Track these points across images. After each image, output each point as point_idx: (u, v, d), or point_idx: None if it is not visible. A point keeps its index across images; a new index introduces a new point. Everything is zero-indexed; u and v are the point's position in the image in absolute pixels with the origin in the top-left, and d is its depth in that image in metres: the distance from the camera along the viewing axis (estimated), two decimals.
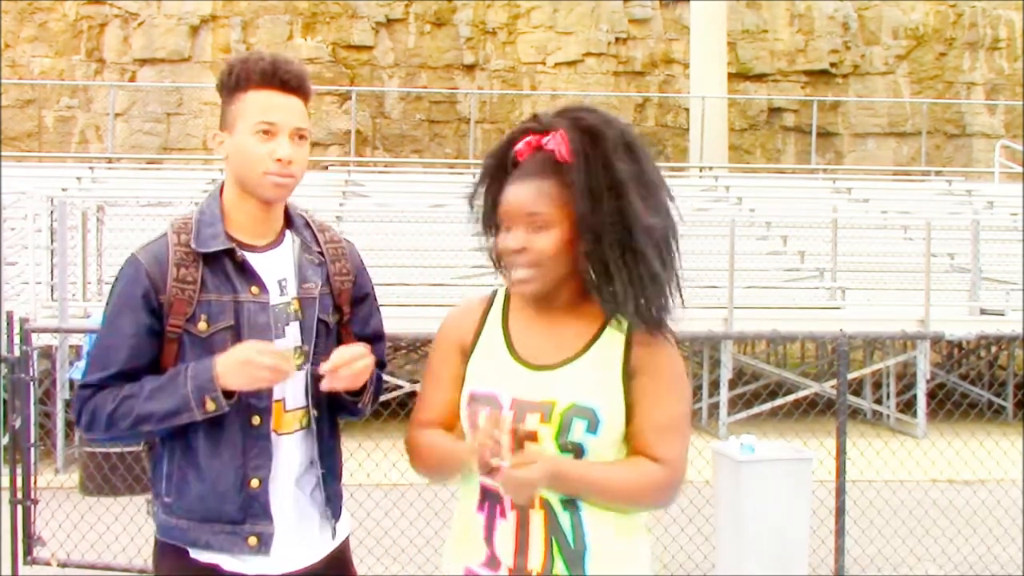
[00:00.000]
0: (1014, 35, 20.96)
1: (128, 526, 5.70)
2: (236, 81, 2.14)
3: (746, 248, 12.50)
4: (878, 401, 11.87)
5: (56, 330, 7.66)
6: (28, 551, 5.18)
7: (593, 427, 1.96)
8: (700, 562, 5.79)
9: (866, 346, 11.87)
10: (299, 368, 2.20)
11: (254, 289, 2.16)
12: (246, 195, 2.18)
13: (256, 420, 2.15)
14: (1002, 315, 11.14)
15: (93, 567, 5.52)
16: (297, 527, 2.21)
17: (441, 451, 2.06)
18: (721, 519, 5.22)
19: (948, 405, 9.54)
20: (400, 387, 9.30)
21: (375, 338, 2.30)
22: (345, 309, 2.30)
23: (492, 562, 2.02)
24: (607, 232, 1.92)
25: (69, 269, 9.39)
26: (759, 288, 11.88)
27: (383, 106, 20.36)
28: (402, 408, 5.58)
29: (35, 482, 5.26)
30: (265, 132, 2.12)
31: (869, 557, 6.17)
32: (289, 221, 2.28)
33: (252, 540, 2.15)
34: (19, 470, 5.13)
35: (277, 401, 2.18)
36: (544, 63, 20.60)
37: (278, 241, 2.23)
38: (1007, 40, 21.03)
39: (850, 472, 5.48)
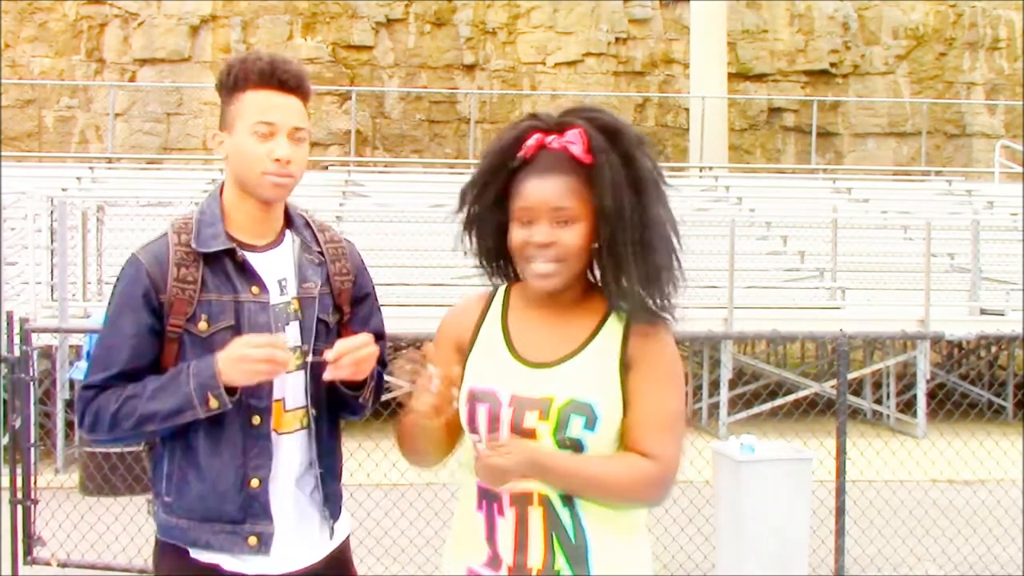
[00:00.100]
0: (1014, 35, 20.96)
1: (128, 526, 5.70)
2: (235, 81, 2.14)
3: (746, 248, 12.50)
4: (878, 401, 11.87)
5: (56, 330, 7.66)
6: (28, 551, 5.18)
7: (591, 423, 1.96)
8: (700, 562, 5.79)
9: (866, 346, 11.87)
10: (299, 368, 2.20)
11: (254, 289, 2.16)
12: (246, 195, 2.18)
13: (256, 420, 2.15)
14: (1002, 315, 11.14)
15: (93, 567, 5.52)
16: (297, 527, 2.21)
17: (409, 422, 2.06)
18: (721, 519, 5.22)
19: (948, 405, 9.54)
20: (400, 387, 9.29)
21: (376, 338, 2.31)
22: (345, 309, 2.30)
23: (494, 562, 2.02)
24: (626, 227, 1.96)
25: (69, 269, 9.39)
26: (759, 288, 11.88)
27: (383, 106, 20.36)
28: (402, 408, 5.58)
29: (35, 482, 5.26)
30: (264, 132, 2.12)
31: (869, 557, 6.17)
32: (289, 221, 2.28)
33: (252, 540, 2.15)
34: (19, 470, 5.13)
35: (277, 401, 2.18)
36: (544, 63, 20.60)
37: (278, 241, 2.24)
38: (1007, 40, 21.03)
39: (850, 472, 5.48)
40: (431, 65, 20.41)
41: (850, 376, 9.23)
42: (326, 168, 17.34)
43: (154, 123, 19.66)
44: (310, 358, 2.19)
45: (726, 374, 10.40)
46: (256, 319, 2.14)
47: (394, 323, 2.23)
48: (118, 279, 2.19)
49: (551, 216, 1.96)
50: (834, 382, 7.98)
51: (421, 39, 20.41)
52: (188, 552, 2.18)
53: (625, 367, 2.00)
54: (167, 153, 19.45)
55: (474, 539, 2.05)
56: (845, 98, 20.89)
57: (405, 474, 6.83)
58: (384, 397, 2.41)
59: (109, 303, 2.18)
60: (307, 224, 2.31)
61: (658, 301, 2.01)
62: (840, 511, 5.24)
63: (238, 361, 2.04)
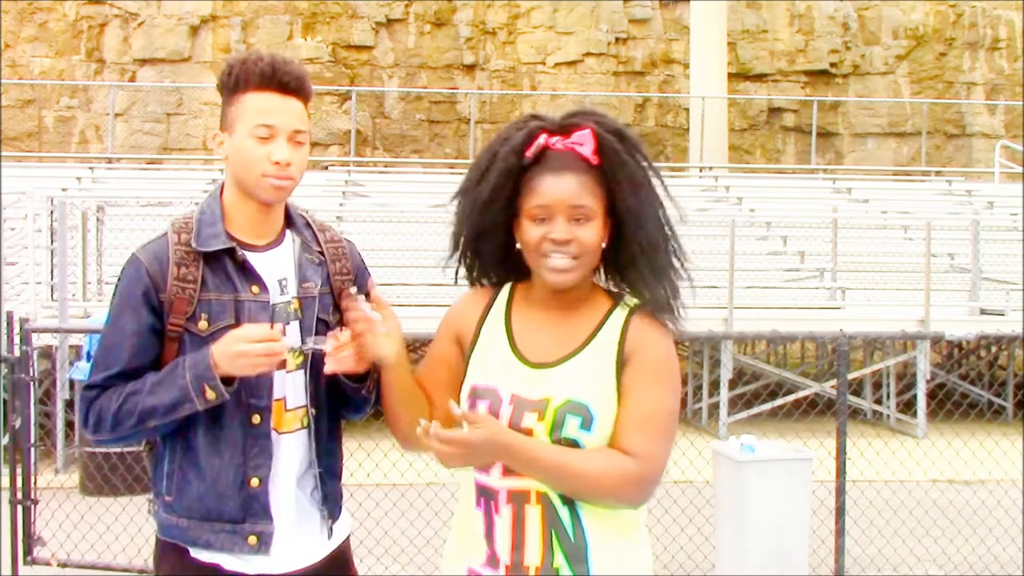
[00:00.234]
0: (1014, 35, 20.96)
1: (128, 526, 5.70)
2: (235, 82, 2.14)
3: (746, 248, 12.51)
4: (878, 401, 11.87)
5: (56, 330, 7.66)
6: (28, 551, 5.18)
7: (587, 424, 1.97)
8: (700, 562, 5.79)
9: (866, 346, 11.87)
10: (299, 367, 2.20)
11: (254, 288, 2.16)
12: (246, 196, 2.18)
13: (256, 419, 2.15)
14: (1002, 315, 11.14)
15: (93, 567, 5.52)
16: (297, 526, 2.21)
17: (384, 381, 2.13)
18: (721, 519, 5.22)
19: (948, 405, 9.54)
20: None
21: None
22: None
23: (493, 560, 2.03)
24: (637, 226, 2.02)
25: (69, 269, 9.39)
26: (759, 288, 11.88)
27: (383, 106, 20.36)
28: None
29: (35, 482, 5.26)
30: (263, 135, 2.12)
31: (869, 557, 6.17)
32: (290, 221, 2.28)
33: (252, 539, 2.15)
34: (19, 470, 5.13)
35: (278, 400, 2.18)
36: (544, 63, 20.60)
37: (278, 241, 2.24)
38: (1007, 40, 21.03)
39: (850, 472, 5.49)
40: (431, 65, 20.42)
41: (850, 376, 9.23)
42: (326, 168, 17.34)
43: (154, 123, 19.66)
44: (310, 345, 2.18)
45: (726, 374, 10.40)
46: (256, 318, 2.14)
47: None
48: (119, 279, 2.19)
49: (569, 214, 1.98)
50: (834, 382, 7.98)
51: (421, 39, 20.41)
52: (188, 552, 2.18)
53: (621, 363, 2.01)
54: (167, 153, 19.45)
55: (473, 537, 2.06)
56: (845, 98, 20.89)
57: (405, 474, 6.83)
58: None
59: (111, 303, 2.19)
60: (307, 224, 2.32)
61: (666, 297, 2.06)
62: (840, 511, 5.24)
63: (236, 357, 2.04)
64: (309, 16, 20.07)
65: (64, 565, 5.42)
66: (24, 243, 9.82)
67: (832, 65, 20.99)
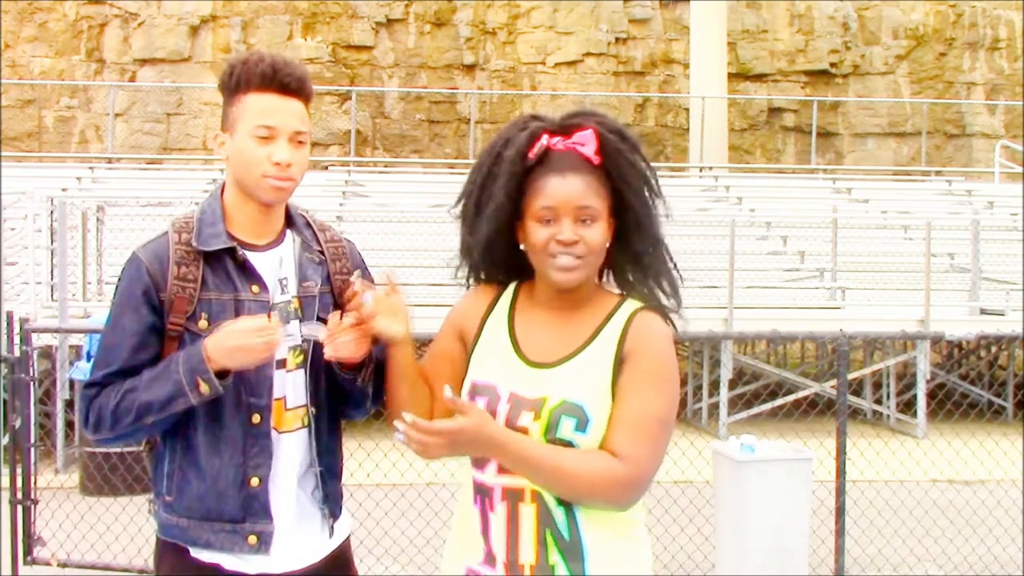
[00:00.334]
0: (1014, 35, 20.96)
1: (128, 526, 5.70)
2: (236, 83, 2.14)
3: (746, 248, 12.50)
4: (878, 401, 11.87)
5: (56, 330, 7.66)
6: (28, 551, 5.18)
7: (583, 425, 1.96)
8: (700, 562, 5.79)
9: (866, 346, 11.87)
10: (299, 366, 2.21)
11: (255, 288, 2.17)
12: (246, 196, 2.19)
13: (256, 418, 2.15)
14: (1002, 315, 11.14)
15: (93, 567, 5.52)
16: (297, 526, 2.22)
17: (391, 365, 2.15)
18: (721, 519, 5.22)
19: (948, 405, 9.54)
20: None
21: (373, 340, 2.30)
22: None
23: (490, 558, 2.03)
24: (640, 225, 2.05)
25: (69, 269, 9.39)
26: (759, 288, 11.88)
27: (383, 106, 20.36)
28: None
29: (35, 482, 5.26)
30: (264, 136, 2.12)
31: (869, 557, 6.17)
32: (290, 220, 2.28)
33: (252, 539, 2.16)
34: (19, 470, 5.13)
35: (278, 399, 2.18)
36: (544, 63, 20.60)
37: (279, 240, 2.24)
38: (1007, 40, 21.03)
39: (850, 472, 5.49)
40: (431, 65, 20.42)
41: (850, 376, 9.23)
42: (326, 168, 17.34)
43: (154, 123, 19.66)
44: (305, 332, 2.19)
45: (726, 374, 10.40)
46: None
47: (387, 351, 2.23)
48: (120, 278, 2.20)
49: (575, 214, 1.99)
50: (834, 382, 7.98)
51: (421, 39, 20.41)
52: (188, 552, 2.18)
53: (619, 364, 2.01)
54: (167, 153, 19.45)
55: (471, 534, 2.06)
56: (845, 98, 20.89)
57: (405, 474, 6.84)
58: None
59: (111, 302, 2.19)
60: (307, 224, 2.32)
61: (668, 295, 2.09)
62: (840, 511, 5.24)
63: (234, 350, 2.04)
64: (309, 16, 20.07)
65: (64, 565, 5.42)
66: (24, 243, 9.82)
67: (832, 65, 20.99)
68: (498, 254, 2.12)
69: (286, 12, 20.02)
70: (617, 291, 2.14)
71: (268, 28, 19.92)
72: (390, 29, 20.35)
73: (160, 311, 2.13)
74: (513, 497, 1.99)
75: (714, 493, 5.39)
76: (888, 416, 11.36)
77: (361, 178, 16.40)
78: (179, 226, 2.19)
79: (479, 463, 2.03)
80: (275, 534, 2.17)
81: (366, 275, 2.34)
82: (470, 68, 20.51)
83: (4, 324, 6.05)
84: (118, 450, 7.16)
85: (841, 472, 5.21)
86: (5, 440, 6.35)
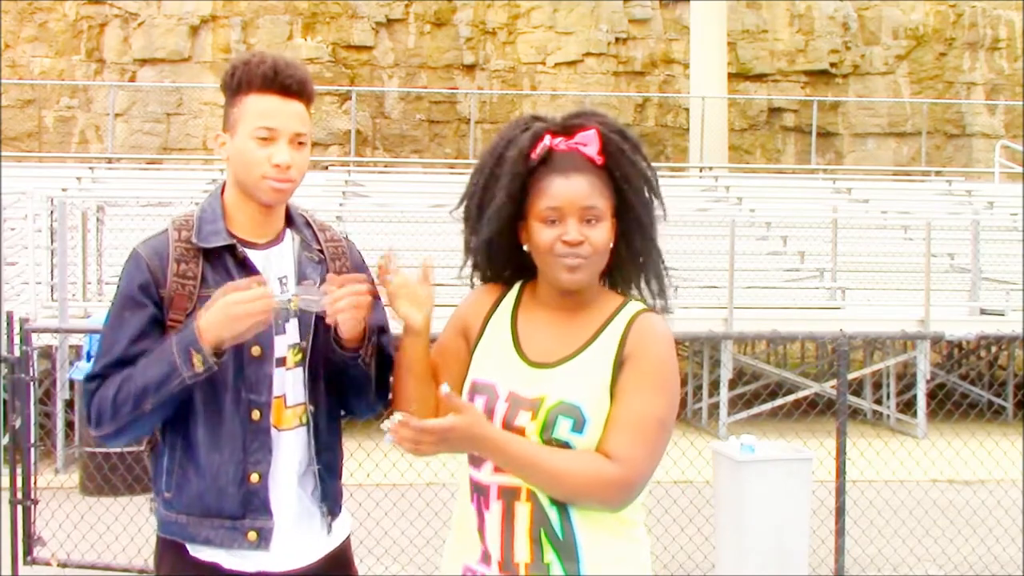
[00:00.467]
0: (1014, 35, 20.96)
1: (128, 526, 5.70)
2: (238, 84, 2.15)
3: (746, 248, 12.50)
4: (878, 401, 11.87)
5: (56, 330, 7.66)
6: (28, 551, 5.18)
7: (579, 426, 1.96)
8: (700, 562, 5.79)
9: (866, 346, 11.88)
10: (298, 364, 2.21)
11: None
12: (246, 196, 2.20)
13: (256, 414, 2.16)
14: (1002, 315, 11.14)
15: (93, 567, 5.52)
16: (297, 523, 2.22)
17: (401, 355, 2.17)
18: (721, 519, 5.22)
19: (948, 405, 9.54)
20: None
21: (380, 331, 2.31)
22: None
23: (486, 557, 2.03)
24: (641, 224, 2.05)
25: (69, 269, 9.39)
26: (759, 288, 11.88)
27: (383, 106, 20.36)
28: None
29: (35, 482, 5.26)
30: (264, 137, 2.13)
31: (869, 557, 6.17)
32: (290, 220, 2.29)
33: (251, 535, 2.16)
34: (19, 470, 5.13)
35: (278, 397, 2.19)
36: (544, 63, 20.60)
37: (279, 239, 2.25)
38: (1007, 40, 21.03)
39: (850, 472, 5.49)
40: (431, 65, 20.42)
41: (850, 376, 9.23)
42: (326, 168, 17.34)
43: (154, 123, 19.66)
44: (307, 359, 2.18)
45: (726, 374, 10.40)
46: None
47: (395, 323, 2.23)
48: (121, 275, 2.20)
49: (580, 214, 1.99)
50: (834, 382, 7.98)
51: (421, 39, 20.42)
52: (188, 551, 2.18)
53: (618, 365, 2.00)
54: (167, 153, 19.45)
55: (468, 533, 2.07)
56: (845, 98, 20.90)
57: (405, 474, 6.84)
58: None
59: (113, 298, 2.20)
60: (307, 223, 2.33)
61: (656, 295, 2.11)
62: (840, 511, 5.24)
63: (231, 320, 2.02)
64: (309, 16, 20.07)
65: (64, 565, 5.42)
66: (24, 243, 9.82)
67: (832, 65, 21.00)
68: (500, 255, 2.12)
69: (286, 12, 20.02)
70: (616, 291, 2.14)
71: (268, 28, 19.93)
72: (390, 29, 20.36)
73: (160, 305, 2.14)
74: (508, 496, 1.99)
75: (714, 493, 5.39)
76: (888, 416, 11.36)
77: (361, 178, 16.41)
78: (179, 224, 2.20)
79: (476, 461, 2.03)
80: (275, 531, 2.18)
81: (366, 274, 2.34)
82: (470, 68, 20.51)
83: (4, 324, 6.05)
84: (118, 450, 7.16)
85: (841, 472, 5.21)
86: (5, 440, 6.35)
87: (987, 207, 15.37)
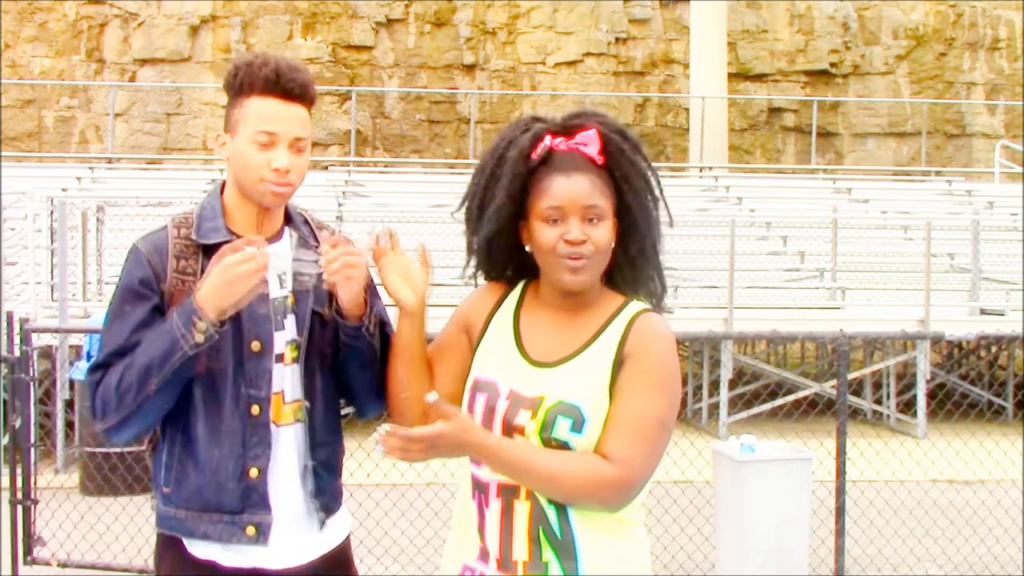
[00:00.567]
0: (1014, 35, 20.96)
1: (128, 526, 5.70)
2: (240, 85, 2.16)
3: (746, 248, 12.50)
4: (878, 401, 11.87)
5: (56, 330, 7.66)
6: (28, 551, 5.18)
7: (578, 426, 1.96)
8: (700, 562, 5.79)
9: (866, 346, 11.88)
10: (295, 360, 2.22)
11: None
12: (245, 197, 2.21)
13: (256, 409, 2.17)
14: (1002, 315, 11.15)
15: (93, 567, 5.52)
16: (296, 520, 2.22)
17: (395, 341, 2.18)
18: (721, 519, 5.22)
19: (948, 405, 9.54)
20: None
21: (382, 324, 2.31)
22: None
23: (484, 554, 2.04)
24: (643, 224, 2.05)
25: (69, 269, 9.40)
26: (759, 288, 11.88)
27: (383, 106, 20.36)
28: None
29: (35, 482, 5.27)
30: (264, 142, 2.13)
31: (869, 557, 6.17)
32: (288, 218, 2.30)
33: (250, 530, 2.16)
34: (19, 470, 5.13)
35: (276, 393, 2.19)
36: (544, 63, 20.60)
37: (277, 237, 2.26)
38: (1007, 40, 21.03)
39: (850, 472, 5.49)
40: (431, 65, 20.42)
41: (850, 376, 9.23)
42: (326, 168, 17.34)
43: (154, 123, 19.66)
44: (303, 355, 2.19)
45: (726, 374, 10.40)
46: (257, 310, 2.16)
47: (395, 323, 2.23)
48: (121, 270, 2.21)
49: (582, 214, 1.99)
50: (834, 382, 7.98)
51: (421, 39, 20.41)
52: (187, 549, 2.19)
53: (618, 365, 2.00)
54: (167, 153, 19.45)
55: (468, 531, 2.07)
56: (845, 98, 20.90)
57: (405, 474, 6.84)
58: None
59: (114, 292, 2.21)
60: (305, 221, 2.34)
61: (656, 296, 2.11)
62: (840, 511, 5.24)
63: (227, 284, 2.03)
64: (309, 16, 20.07)
65: (64, 565, 5.42)
66: (24, 243, 9.83)
67: (832, 65, 21.00)
68: (501, 255, 2.13)
69: (286, 12, 20.02)
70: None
71: (268, 28, 19.93)
72: (390, 29, 20.36)
73: (162, 298, 2.15)
74: (508, 494, 1.99)
75: (714, 493, 5.39)
76: (888, 416, 11.36)
77: (361, 178, 16.41)
78: (178, 221, 2.22)
79: (476, 459, 2.04)
80: (273, 526, 2.18)
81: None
82: (470, 68, 20.51)
83: (4, 324, 6.05)
84: (118, 450, 7.17)
85: (841, 472, 5.21)
86: (5, 440, 6.35)
87: (987, 207, 15.38)
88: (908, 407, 11.18)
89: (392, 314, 2.25)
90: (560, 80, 20.51)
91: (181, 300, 2.13)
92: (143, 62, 19.75)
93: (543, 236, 2.00)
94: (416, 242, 2.27)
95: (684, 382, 11.15)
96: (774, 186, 17.21)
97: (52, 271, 9.61)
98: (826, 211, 14.23)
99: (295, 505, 2.22)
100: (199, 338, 2.05)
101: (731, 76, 19.49)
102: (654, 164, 2.13)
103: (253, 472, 2.16)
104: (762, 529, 4.95)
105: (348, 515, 2.39)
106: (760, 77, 20.95)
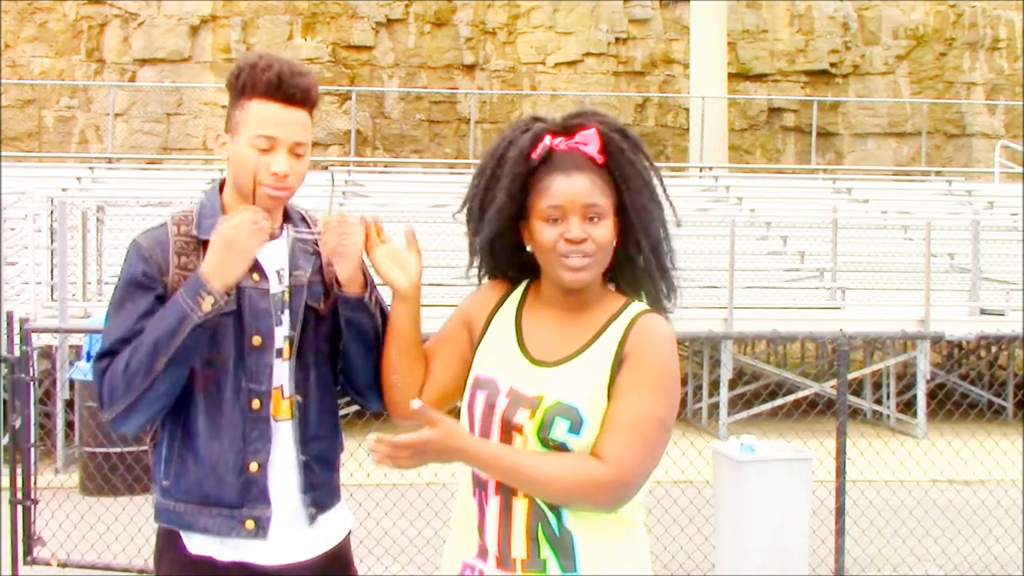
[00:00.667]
0: (1014, 35, 20.96)
1: (128, 526, 5.71)
2: (242, 87, 2.16)
3: (746, 248, 12.51)
4: (878, 401, 11.87)
5: (56, 330, 7.66)
6: (28, 551, 5.19)
7: (576, 427, 1.96)
8: (700, 562, 5.79)
9: (866, 346, 11.88)
10: (291, 355, 2.22)
11: (255, 276, 2.19)
12: (244, 198, 2.21)
13: (256, 403, 2.17)
14: (1002, 315, 11.15)
15: (93, 567, 5.53)
16: (295, 515, 2.22)
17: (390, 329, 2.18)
18: (721, 519, 5.22)
19: (948, 405, 9.54)
20: None
21: (381, 309, 2.31)
22: None
23: (483, 552, 2.04)
24: (645, 223, 2.04)
25: (69, 269, 9.40)
26: (759, 288, 11.88)
27: (383, 106, 20.36)
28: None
29: (35, 482, 5.27)
30: (263, 146, 2.14)
31: (869, 557, 6.17)
32: (286, 215, 2.31)
33: (249, 523, 2.17)
34: (19, 470, 5.13)
35: (276, 388, 2.20)
36: (544, 63, 20.60)
37: (276, 234, 2.26)
38: (1007, 40, 21.03)
39: (850, 472, 5.49)
40: (431, 65, 20.42)
41: (850, 376, 9.23)
42: (326, 168, 17.34)
43: (154, 123, 19.66)
44: (296, 350, 2.20)
45: (726, 374, 10.40)
46: (257, 305, 2.17)
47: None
48: (122, 265, 2.21)
49: (583, 213, 1.99)
50: (834, 382, 7.98)
51: (421, 39, 20.42)
52: (186, 545, 2.19)
53: (617, 365, 2.00)
54: (167, 153, 19.45)
55: (469, 528, 2.07)
56: (845, 98, 20.90)
57: (405, 474, 6.83)
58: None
59: (116, 286, 2.21)
60: (303, 218, 2.35)
61: (669, 294, 2.10)
62: (840, 511, 5.24)
63: (228, 247, 2.05)
64: (309, 16, 20.07)
65: (64, 565, 5.42)
66: (24, 243, 9.83)
67: (832, 65, 21.00)
68: (503, 255, 2.14)
69: (286, 12, 20.02)
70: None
71: (268, 28, 19.93)
72: (390, 29, 20.36)
73: (165, 290, 2.15)
74: (507, 491, 2.00)
75: (714, 493, 5.39)
76: (888, 416, 11.36)
77: (361, 178, 16.41)
78: (178, 219, 2.23)
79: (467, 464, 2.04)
80: (272, 519, 2.18)
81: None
82: (470, 68, 20.52)
83: (4, 324, 6.05)
84: (118, 450, 7.18)
85: (841, 472, 5.21)
86: (5, 440, 6.36)
87: (987, 207, 15.38)
88: (908, 407, 11.18)
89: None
90: (560, 80, 20.52)
91: None
92: (143, 62, 19.75)
93: (544, 235, 2.00)
94: (417, 242, 2.26)
95: (684, 382, 11.16)
96: (774, 186, 17.21)
97: (52, 271, 9.61)
98: (826, 211, 14.23)
99: (292, 500, 2.23)
100: (206, 307, 2.05)
101: (731, 76, 19.49)
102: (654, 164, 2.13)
103: (253, 466, 2.17)
104: (762, 529, 4.95)
105: (348, 514, 2.39)
106: (760, 77, 20.95)
